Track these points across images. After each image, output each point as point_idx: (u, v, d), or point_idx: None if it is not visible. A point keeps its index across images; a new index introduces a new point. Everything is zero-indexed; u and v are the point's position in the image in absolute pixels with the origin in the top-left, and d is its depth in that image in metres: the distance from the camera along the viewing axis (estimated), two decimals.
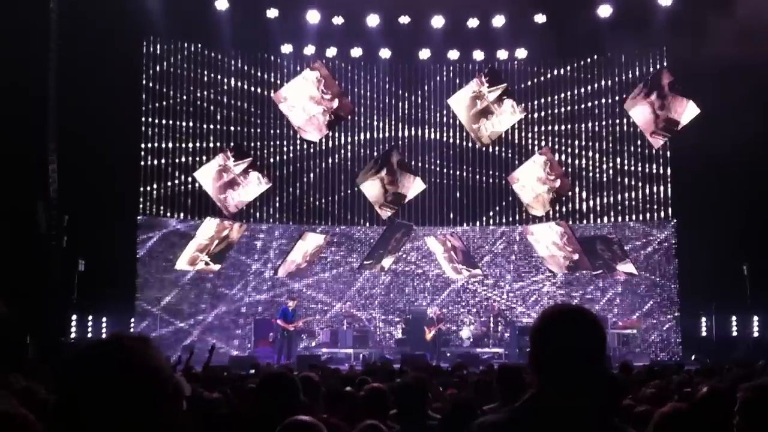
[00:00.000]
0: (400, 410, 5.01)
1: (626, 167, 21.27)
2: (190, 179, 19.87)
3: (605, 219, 21.41)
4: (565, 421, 2.09)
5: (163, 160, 20.50)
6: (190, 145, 20.86)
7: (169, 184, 20.53)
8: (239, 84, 21.55)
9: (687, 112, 17.08)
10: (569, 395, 2.11)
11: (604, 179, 21.51)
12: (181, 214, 20.67)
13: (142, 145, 20.18)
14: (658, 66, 20.11)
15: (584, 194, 21.63)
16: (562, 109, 21.93)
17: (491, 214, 22.28)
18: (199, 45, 21.06)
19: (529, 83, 22.05)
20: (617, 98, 20.80)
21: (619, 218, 21.29)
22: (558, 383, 2.12)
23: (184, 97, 20.89)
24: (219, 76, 21.30)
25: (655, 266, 20.70)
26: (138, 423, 1.46)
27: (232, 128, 21.40)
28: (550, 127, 21.99)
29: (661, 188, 20.91)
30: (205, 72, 21.16)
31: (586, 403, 2.11)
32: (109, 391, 1.46)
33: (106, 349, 1.52)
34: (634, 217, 21.21)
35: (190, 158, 20.62)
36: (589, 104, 21.68)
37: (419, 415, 5.01)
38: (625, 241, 20.07)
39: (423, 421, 4.98)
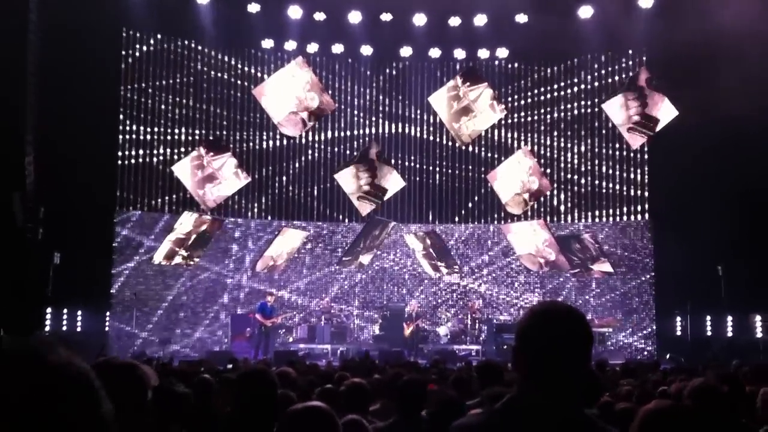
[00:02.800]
0: (401, 407, 4.94)
1: (604, 168, 21.41)
2: (168, 172, 19.74)
3: (583, 219, 21.55)
4: (545, 420, 2.08)
5: (141, 153, 20.35)
6: (169, 138, 20.73)
7: (147, 177, 20.38)
8: (219, 77, 21.43)
9: (664, 110, 17.23)
10: (553, 393, 2.09)
11: (582, 180, 21.64)
12: (159, 208, 20.52)
13: (120, 138, 20.02)
14: (638, 68, 20.24)
15: (562, 194, 21.75)
16: (542, 109, 22.04)
17: (470, 212, 22.36)
18: (180, 39, 20.93)
19: (511, 83, 22.15)
20: (597, 99, 20.93)
21: (597, 218, 21.43)
22: (542, 381, 2.11)
23: (164, 91, 20.75)
24: (199, 69, 21.17)
25: (631, 266, 20.87)
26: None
27: (213, 121, 21.29)
28: (530, 127, 22.09)
29: (638, 189, 21.07)
30: (186, 65, 21.03)
31: (568, 402, 2.10)
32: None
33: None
34: (611, 217, 21.36)
35: (169, 151, 20.50)
36: (569, 104, 21.80)
37: (416, 413, 4.97)
38: (602, 240, 20.23)
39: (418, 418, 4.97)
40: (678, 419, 2.51)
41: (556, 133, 21.93)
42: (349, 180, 18.96)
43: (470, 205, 22.33)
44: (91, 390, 1.42)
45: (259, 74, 21.24)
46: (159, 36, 20.63)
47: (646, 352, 20.04)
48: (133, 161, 20.22)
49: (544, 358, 2.11)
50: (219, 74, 21.41)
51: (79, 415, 1.38)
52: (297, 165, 22.05)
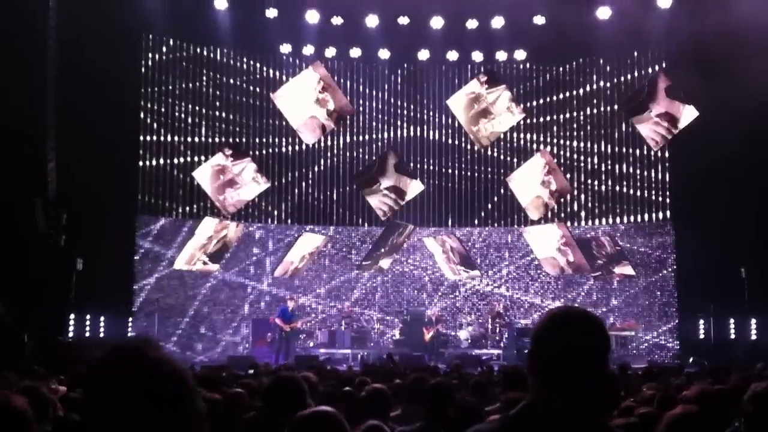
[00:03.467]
0: (429, 411, 4.91)
1: (625, 169, 21.27)
2: (189, 178, 19.83)
3: (603, 221, 21.41)
4: (560, 427, 2.07)
5: (161, 159, 20.47)
6: (189, 143, 20.83)
7: (168, 183, 20.49)
8: (238, 83, 21.53)
9: (685, 115, 17.11)
10: (568, 400, 2.08)
11: (602, 181, 21.51)
12: (180, 214, 20.63)
13: (141, 143, 20.14)
14: (656, 68, 20.11)
15: (583, 196, 21.63)
16: (561, 111, 21.93)
17: (490, 215, 22.29)
18: (199, 45, 21.05)
19: (529, 85, 22.08)
20: (616, 100, 20.82)
21: (618, 220, 21.29)
22: (558, 387, 2.09)
23: (183, 97, 20.87)
24: (218, 76, 21.28)
25: (653, 269, 20.71)
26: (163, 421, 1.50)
27: (231, 128, 21.38)
28: (548, 129, 21.99)
29: (660, 191, 20.92)
30: (204, 71, 21.14)
31: (584, 409, 2.08)
32: (132, 393, 1.48)
33: (126, 352, 1.56)
34: (632, 219, 21.21)
35: (189, 157, 20.59)
36: (588, 106, 21.68)
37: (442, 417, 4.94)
38: (623, 243, 20.08)
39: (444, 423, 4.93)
40: (703, 424, 2.48)
41: (575, 135, 21.81)
42: (371, 194, 19.02)
43: (490, 207, 22.25)
44: (185, 386, 1.54)
45: (277, 79, 21.30)
46: (178, 42, 20.75)
47: (669, 356, 19.87)
48: (154, 166, 20.34)
49: (559, 363, 2.10)
50: (237, 79, 21.49)
51: (174, 407, 1.51)
52: (316, 169, 22.09)
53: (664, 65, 19.88)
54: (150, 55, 20.41)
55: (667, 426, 2.46)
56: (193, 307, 20.56)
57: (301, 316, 19.66)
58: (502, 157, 22.08)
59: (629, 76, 21.15)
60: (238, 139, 20.97)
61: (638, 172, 21.09)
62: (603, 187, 21.50)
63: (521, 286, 21.77)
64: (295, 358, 16.58)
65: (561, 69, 21.88)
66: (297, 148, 21.71)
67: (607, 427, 2.12)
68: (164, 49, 20.66)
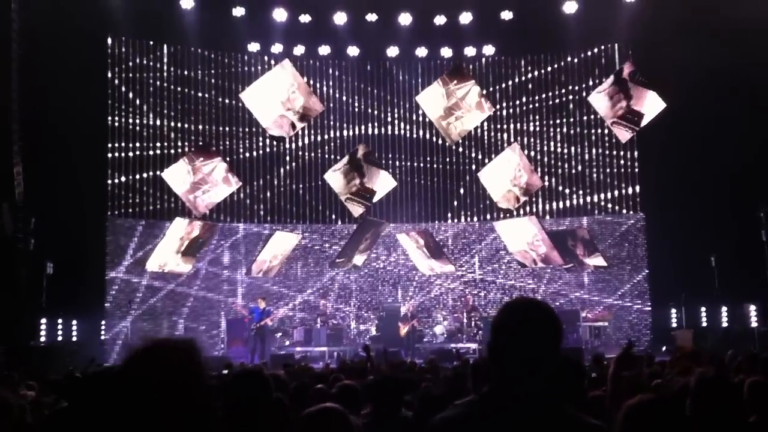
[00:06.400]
0: (375, 404, 5.01)
1: (595, 164, 21.45)
2: (158, 179, 19.67)
3: (575, 214, 21.57)
4: (519, 411, 2.17)
5: (130, 159, 20.30)
6: (158, 143, 20.69)
7: (137, 184, 20.33)
8: (206, 81, 21.41)
9: (651, 103, 17.26)
10: (526, 384, 2.19)
11: (573, 175, 21.67)
12: (151, 214, 20.47)
13: (109, 145, 19.96)
14: (623, 60, 20.27)
15: (554, 190, 21.77)
16: (531, 105, 22.05)
17: (462, 209, 22.37)
18: (165, 44, 20.89)
19: (498, 80, 22.17)
20: (585, 93, 20.96)
21: (589, 214, 21.46)
22: (514, 371, 2.21)
23: (151, 97, 20.72)
24: (186, 74, 21.13)
25: (624, 259, 20.91)
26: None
27: (200, 127, 21.26)
28: (519, 124, 22.12)
29: (629, 182, 21.12)
30: (172, 70, 20.99)
31: (542, 393, 2.20)
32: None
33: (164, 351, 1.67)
34: (602, 209, 21.40)
35: (158, 157, 20.44)
36: (558, 100, 21.82)
37: (393, 410, 5.02)
38: (595, 234, 20.25)
39: (396, 415, 4.99)
40: (661, 413, 2.52)
41: (545, 130, 21.94)
42: (338, 181, 18.94)
43: (461, 202, 22.34)
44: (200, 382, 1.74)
45: (245, 77, 21.19)
46: (143, 41, 20.58)
47: (643, 345, 20.07)
48: (123, 168, 20.17)
49: (513, 348, 2.23)
50: (206, 79, 21.37)
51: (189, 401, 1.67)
52: (288, 168, 22.05)
53: (630, 55, 20.02)
54: (116, 54, 20.21)
55: (625, 415, 2.53)
56: (166, 308, 20.46)
57: (273, 315, 19.56)
58: (473, 151, 22.16)
59: (597, 70, 21.31)
60: (208, 138, 20.85)
61: (608, 166, 21.30)
62: (573, 181, 21.66)
63: (495, 280, 21.86)
64: (271, 357, 16.54)
65: (530, 63, 22.00)
66: (268, 146, 21.65)
67: (564, 412, 2.20)
68: (131, 48, 20.47)
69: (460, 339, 20.03)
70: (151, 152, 20.52)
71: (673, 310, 19.41)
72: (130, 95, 20.40)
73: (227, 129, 21.59)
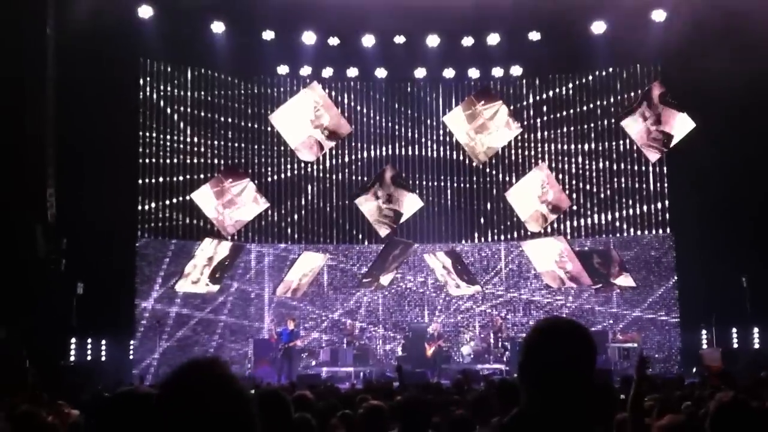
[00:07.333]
0: (403, 425, 5.00)
1: (624, 183, 21.31)
2: (188, 200, 19.85)
3: (603, 234, 21.43)
4: None
5: (161, 182, 20.52)
6: (188, 165, 20.87)
7: (168, 204, 20.53)
8: (236, 105, 21.66)
9: (680, 124, 17.17)
10: (557, 407, 2.14)
11: (602, 194, 21.55)
12: (180, 235, 20.65)
13: (140, 168, 20.18)
14: (652, 81, 20.19)
15: (582, 210, 21.66)
16: (559, 126, 21.99)
17: (490, 230, 22.32)
18: (196, 68, 21.16)
19: (526, 100, 22.16)
20: (613, 114, 20.89)
21: (618, 233, 21.31)
22: (547, 394, 2.15)
23: (182, 119, 20.95)
24: (216, 98, 21.39)
25: (654, 279, 20.70)
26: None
27: (230, 147, 21.48)
28: (546, 144, 22.06)
29: (659, 202, 20.96)
30: (203, 94, 21.25)
31: (572, 415, 2.14)
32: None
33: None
34: (632, 231, 21.23)
35: (188, 179, 20.63)
36: (586, 121, 21.73)
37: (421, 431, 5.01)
38: (624, 255, 20.08)
39: None
40: None
41: (573, 149, 21.87)
42: (367, 205, 19.02)
43: (488, 222, 22.29)
44: (247, 405, 1.79)
45: (275, 100, 21.40)
46: (175, 65, 20.85)
47: (671, 366, 19.83)
48: (153, 189, 20.38)
49: (548, 371, 2.17)
50: (236, 102, 21.62)
51: (236, 424, 1.73)
52: (316, 189, 22.17)
53: (659, 78, 19.93)
54: (148, 79, 20.50)
55: None
56: (195, 328, 20.56)
57: (302, 336, 19.59)
58: (500, 172, 22.14)
59: (626, 91, 21.24)
60: (238, 160, 21.05)
61: (637, 184, 21.14)
62: (602, 200, 21.54)
63: (523, 300, 21.75)
64: (298, 377, 16.57)
65: (558, 84, 21.98)
66: (296, 167, 21.80)
67: None
68: (162, 72, 20.75)
69: (487, 360, 19.93)
70: (181, 174, 20.68)
71: (704, 332, 19.16)
72: (162, 118, 20.62)
73: (257, 150, 21.80)
